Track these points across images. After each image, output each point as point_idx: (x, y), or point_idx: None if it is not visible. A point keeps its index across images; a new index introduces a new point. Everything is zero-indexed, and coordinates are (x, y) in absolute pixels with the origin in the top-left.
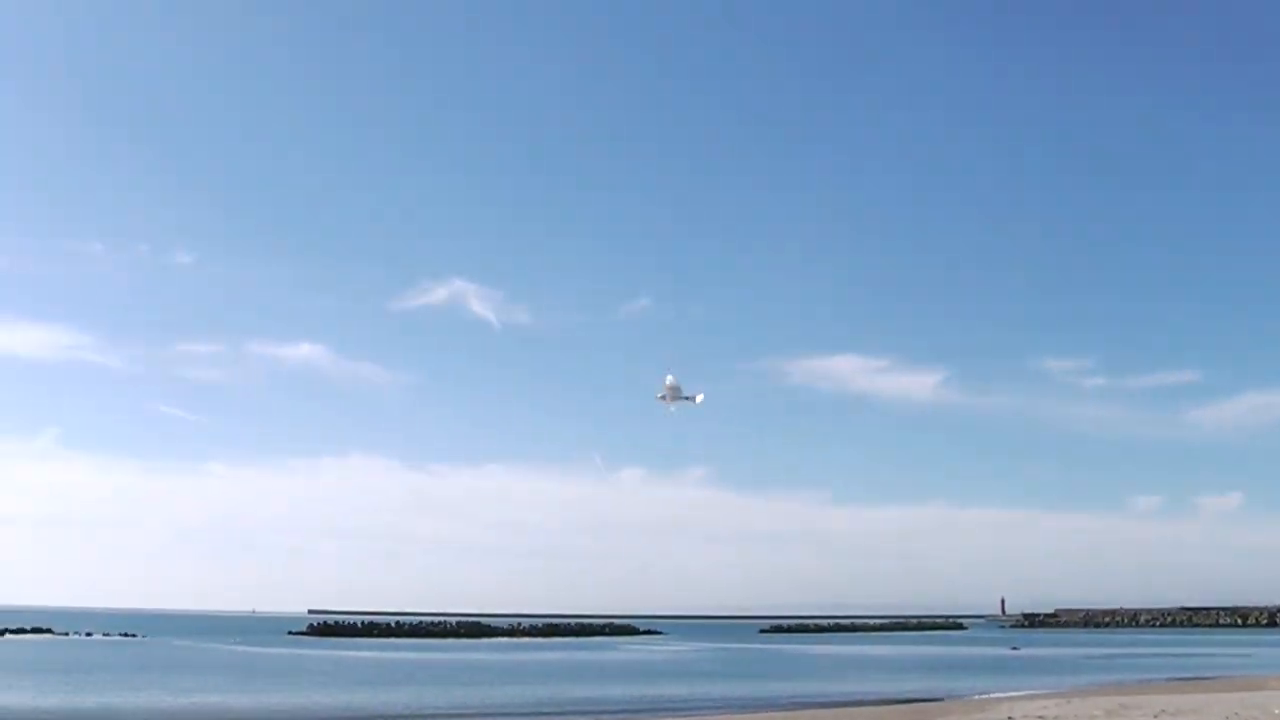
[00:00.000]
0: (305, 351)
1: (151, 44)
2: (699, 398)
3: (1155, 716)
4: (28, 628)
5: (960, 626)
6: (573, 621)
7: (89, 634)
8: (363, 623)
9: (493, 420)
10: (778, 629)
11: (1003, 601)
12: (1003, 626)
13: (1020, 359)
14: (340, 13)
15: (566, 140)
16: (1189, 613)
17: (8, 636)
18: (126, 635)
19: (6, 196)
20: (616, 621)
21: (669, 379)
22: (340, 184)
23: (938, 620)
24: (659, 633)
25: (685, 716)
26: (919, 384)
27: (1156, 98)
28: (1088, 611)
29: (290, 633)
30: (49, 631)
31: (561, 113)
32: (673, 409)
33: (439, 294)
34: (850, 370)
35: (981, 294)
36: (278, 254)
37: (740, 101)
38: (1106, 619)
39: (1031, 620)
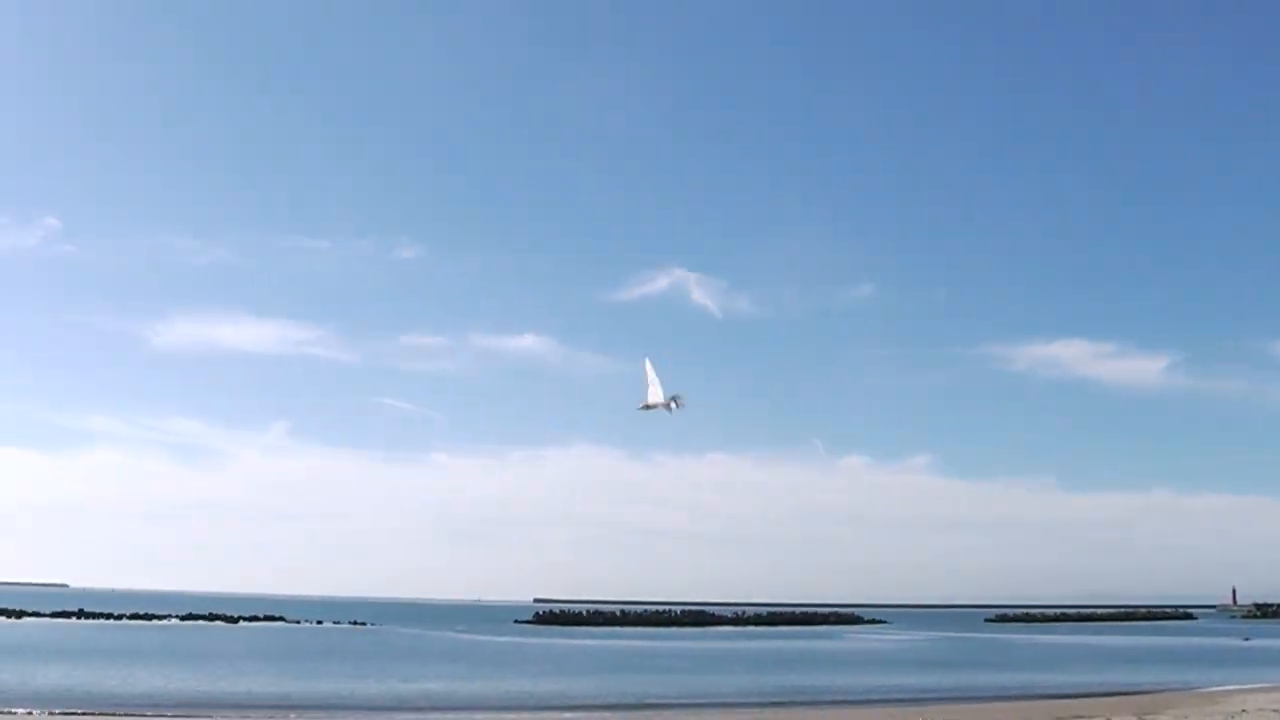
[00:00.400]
0: (528, 342)
1: (376, 42)
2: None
3: None
4: (261, 615)
5: (1189, 616)
6: (796, 610)
7: (319, 622)
8: (588, 611)
9: (715, 409)
10: (1003, 618)
11: (1234, 591)
12: (1234, 617)
13: (1250, 341)
14: (560, 11)
15: (788, 128)
16: None
17: (243, 624)
18: (355, 623)
19: (236, 195)
20: (840, 610)
21: (652, 384)
22: (562, 175)
23: (1166, 610)
24: (883, 621)
25: (917, 706)
26: (1145, 368)
27: None
28: None
29: (516, 621)
30: (281, 619)
31: (783, 100)
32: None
33: (660, 283)
34: (1075, 355)
35: (1210, 276)
36: (500, 246)
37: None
38: None
39: (1264, 611)
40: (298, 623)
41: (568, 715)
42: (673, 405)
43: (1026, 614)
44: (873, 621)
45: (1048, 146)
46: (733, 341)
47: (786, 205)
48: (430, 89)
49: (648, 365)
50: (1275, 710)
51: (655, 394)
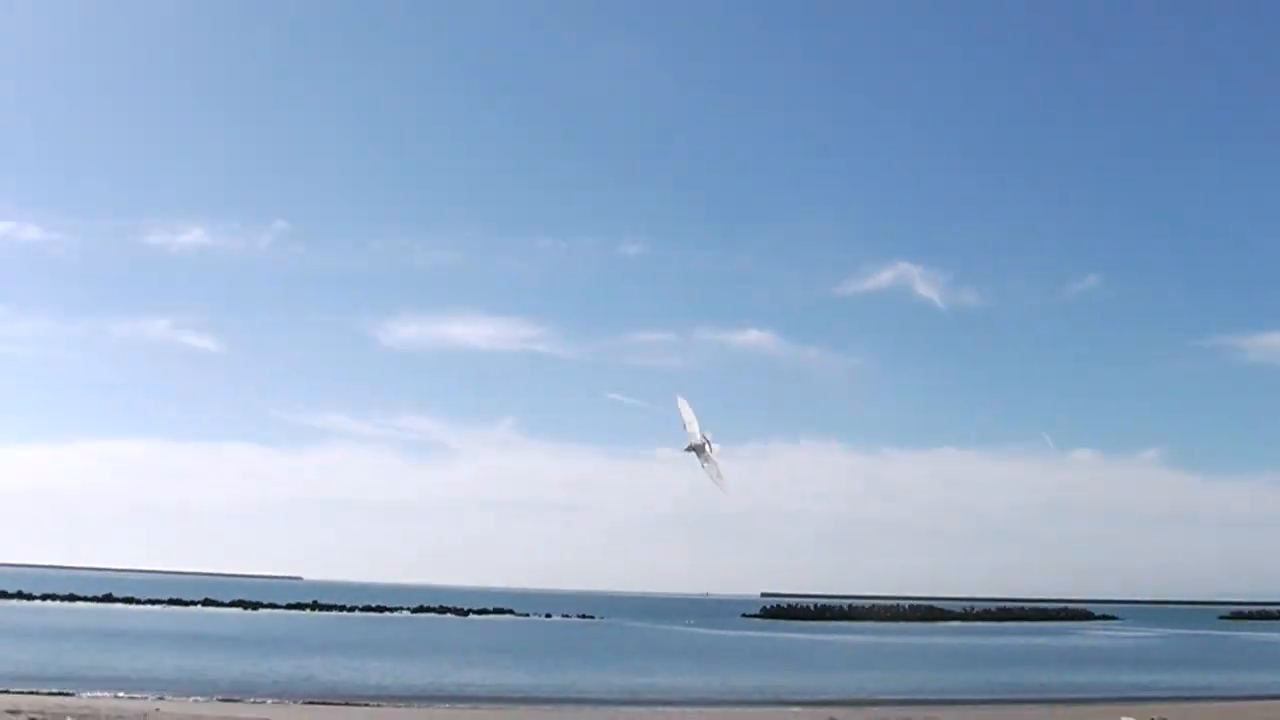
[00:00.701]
0: (753, 337)
1: (581, 43)
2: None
3: None
4: (490, 609)
5: None
6: (1026, 605)
7: (548, 615)
8: (815, 605)
9: (941, 403)
10: (1238, 615)
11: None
12: None
13: None
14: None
15: (1007, 116)
16: None
17: (472, 617)
18: (584, 617)
19: (461, 196)
20: (1071, 606)
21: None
22: (784, 170)
23: None
24: (1114, 618)
25: (1154, 704)
26: None
27: None
28: None
29: (744, 615)
30: (510, 613)
31: (998, 87)
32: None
33: (884, 277)
34: None
35: None
36: (723, 242)
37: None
38: None
39: None
40: (526, 616)
41: (795, 710)
42: (708, 448)
43: (1264, 611)
44: (1104, 618)
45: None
46: (958, 334)
47: (1010, 196)
48: (644, 87)
49: (681, 404)
50: None
51: (694, 434)
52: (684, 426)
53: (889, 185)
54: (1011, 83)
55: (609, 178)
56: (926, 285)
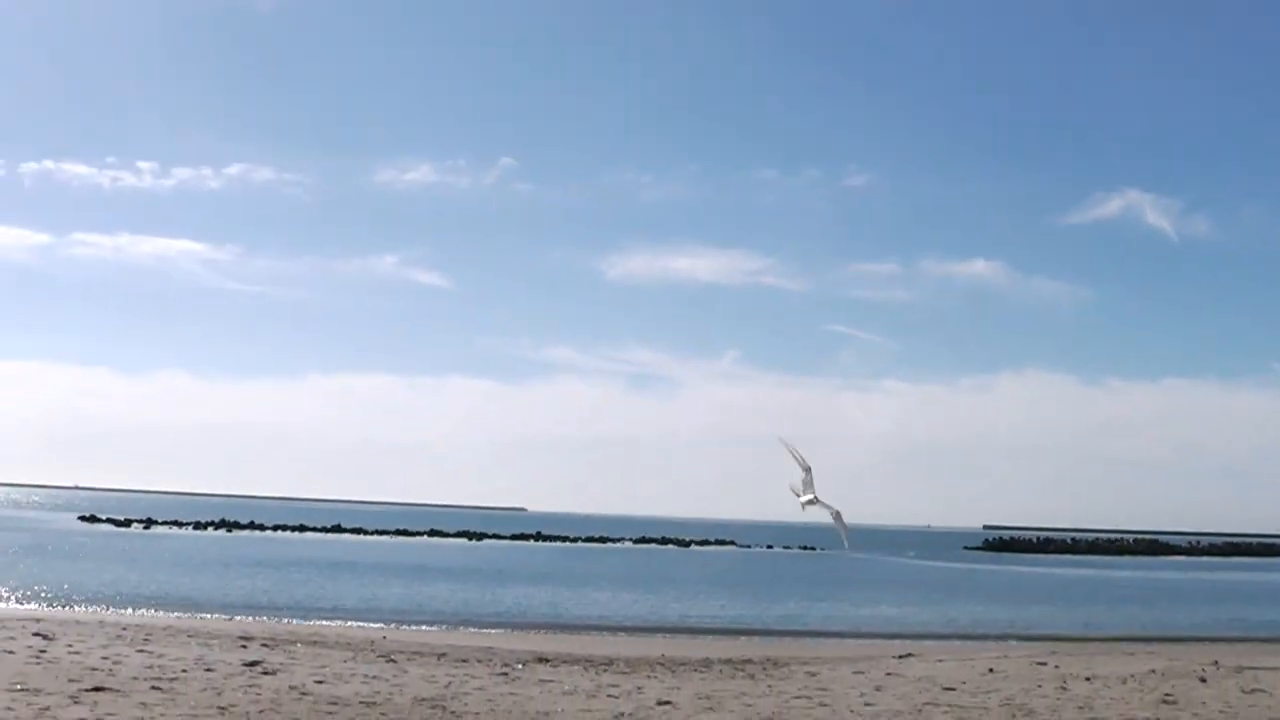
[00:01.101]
0: (979, 268)
1: None
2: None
3: None
4: (712, 540)
5: None
6: (1254, 541)
7: (769, 546)
8: (1038, 538)
9: (1170, 335)
10: None
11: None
12: None
13: None
14: None
15: (1241, 41)
16: None
17: (694, 548)
18: (805, 548)
19: (684, 132)
20: None
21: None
22: (1005, 96)
23: None
24: None
25: None
26: None
27: None
28: None
29: (965, 548)
30: (732, 544)
31: (1241, 10)
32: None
33: (1112, 206)
34: None
35: None
36: (948, 171)
37: None
38: None
39: None
40: (748, 547)
41: (1014, 644)
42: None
43: None
44: None
45: None
46: (1189, 265)
47: (1245, 120)
48: (870, 15)
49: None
50: None
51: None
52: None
53: (1119, 110)
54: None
55: (830, 108)
56: (1157, 214)
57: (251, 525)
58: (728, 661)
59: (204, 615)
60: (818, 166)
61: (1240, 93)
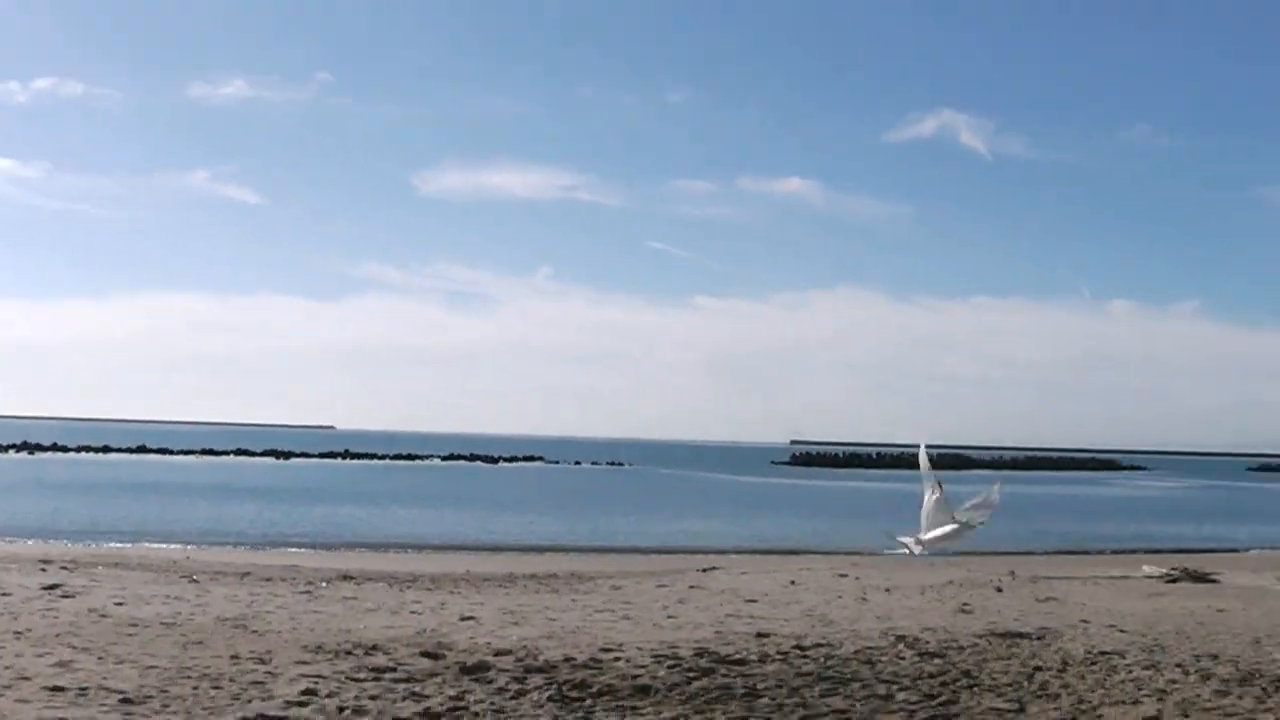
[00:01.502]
0: (795, 185)
1: None
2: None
3: None
4: (521, 456)
5: None
6: (1054, 455)
7: (578, 463)
8: (844, 453)
9: (981, 252)
10: (1266, 467)
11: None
12: None
13: None
14: None
15: None
16: None
17: (503, 464)
18: (613, 464)
19: (501, 49)
20: (1099, 456)
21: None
22: (825, 15)
23: None
24: (1142, 468)
25: (1182, 554)
26: None
27: None
28: None
29: (773, 463)
30: (540, 460)
31: None
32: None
33: (928, 125)
34: None
35: None
36: (766, 90)
37: None
38: None
39: None
40: (557, 463)
41: (819, 557)
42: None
43: None
44: (1132, 468)
45: None
46: (1001, 184)
47: (1058, 41)
48: None
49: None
50: None
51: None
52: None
53: (935, 31)
54: None
55: (652, 26)
56: (971, 134)
57: (55, 447)
58: (532, 577)
59: (1, 540)
60: (637, 84)
61: (1051, 13)
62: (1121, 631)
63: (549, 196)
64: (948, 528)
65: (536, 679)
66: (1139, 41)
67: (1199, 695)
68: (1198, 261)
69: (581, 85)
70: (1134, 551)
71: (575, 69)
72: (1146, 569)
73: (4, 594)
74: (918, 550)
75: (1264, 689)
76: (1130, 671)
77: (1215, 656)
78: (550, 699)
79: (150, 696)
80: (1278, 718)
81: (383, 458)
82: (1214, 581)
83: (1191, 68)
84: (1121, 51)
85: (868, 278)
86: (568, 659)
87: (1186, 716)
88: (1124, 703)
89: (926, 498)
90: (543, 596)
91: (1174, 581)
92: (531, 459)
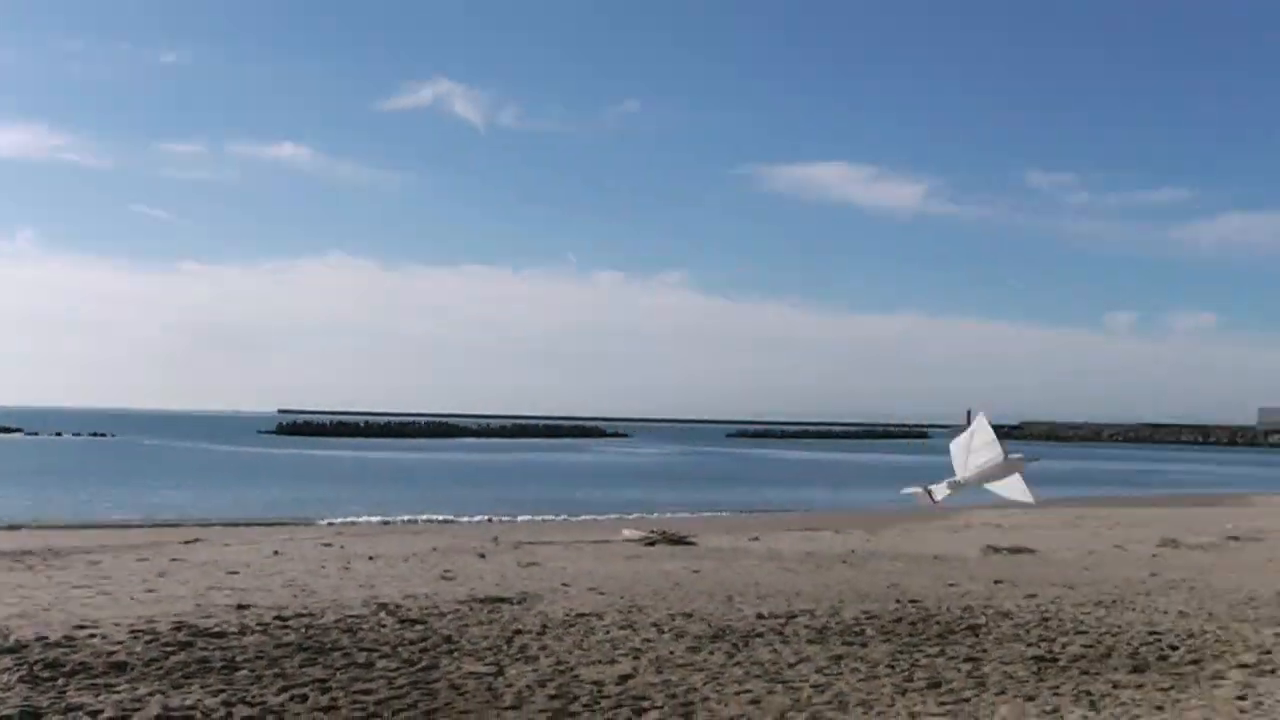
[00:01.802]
0: (288, 151)
1: None
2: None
3: (1110, 528)
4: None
5: (925, 435)
6: (540, 423)
7: (59, 434)
8: (332, 422)
9: (473, 222)
10: (743, 434)
11: (969, 413)
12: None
13: (1006, 172)
14: None
15: None
16: (1151, 429)
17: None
18: (97, 435)
19: None
20: (585, 424)
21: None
22: None
23: (904, 429)
24: (626, 435)
25: (660, 517)
26: (905, 193)
27: None
28: (1052, 424)
29: (260, 432)
30: (19, 431)
31: None
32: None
33: (424, 94)
34: (835, 178)
35: (969, 106)
36: (261, 53)
37: None
38: (1070, 433)
39: (997, 432)
40: (36, 434)
41: (299, 529)
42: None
43: (766, 430)
44: (616, 435)
45: None
46: (495, 154)
47: (552, 16)
48: None
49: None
50: (998, 525)
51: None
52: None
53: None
54: None
55: None
56: (466, 104)
57: None
58: (5, 554)
59: None
60: (128, 40)
61: None
62: (601, 594)
63: (32, 156)
64: (995, 461)
65: (5, 660)
66: (630, 11)
67: (672, 652)
68: (683, 235)
69: (69, 39)
70: (615, 515)
71: (62, 18)
72: (626, 533)
73: None
74: (943, 494)
75: (734, 644)
76: (608, 632)
77: (689, 615)
78: (21, 680)
79: None
80: (746, 670)
81: None
82: (691, 544)
83: (678, 49)
84: (613, 26)
85: (358, 245)
86: (40, 638)
87: (660, 673)
88: (600, 662)
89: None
90: (18, 574)
91: (652, 544)
92: (9, 431)
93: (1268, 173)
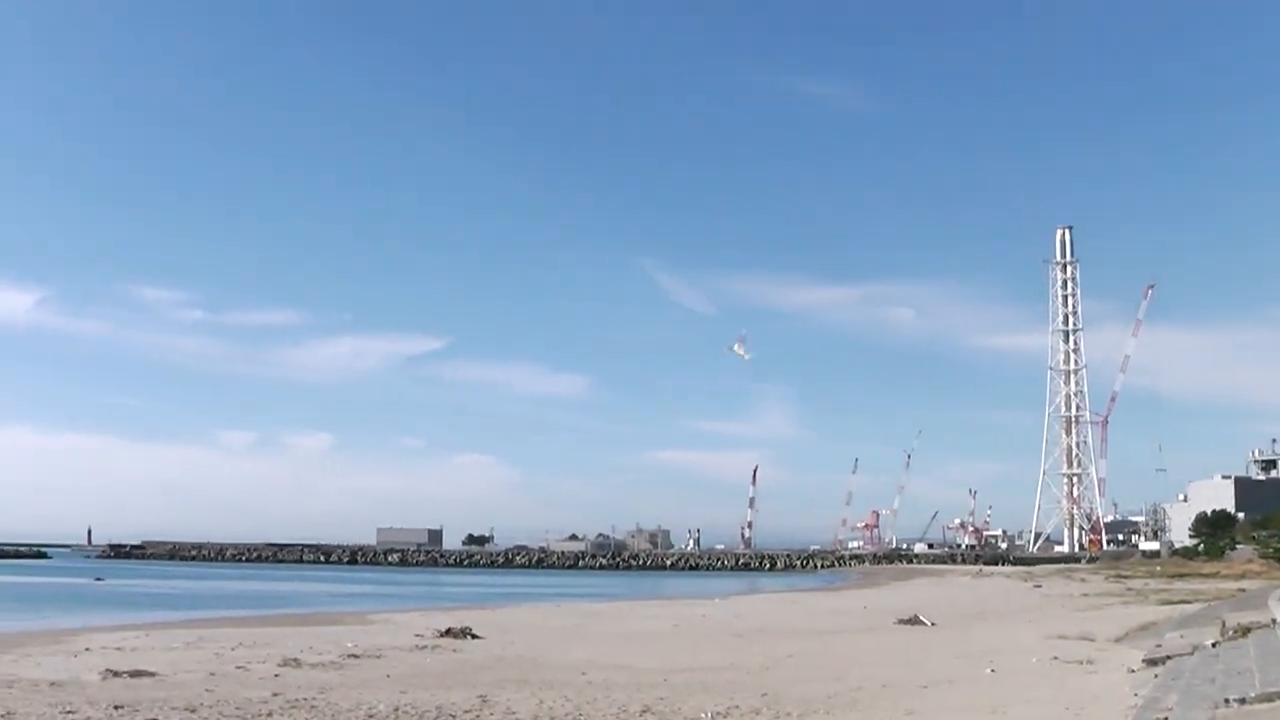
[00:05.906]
0: None
1: None
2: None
3: (233, 649)
4: None
5: (45, 555)
6: None
7: None
8: None
9: None
10: None
11: (90, 531)
12: (88, 556)
13: (120, 285)
14: None
15: None
16: (275, 549)
17: None
18: None
19: None
20: None
21: None
22: None
23: (20, 548)
24: None
25: None
26: (14, 302)
27: None
28: (175, 544)
29: None
30: None
31: None
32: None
33: None
34: None
35: (87, 215)
36: None
37: None
38: (193, 552)
39: (118, 551)
40: None
41: None
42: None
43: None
44: None
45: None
46: None
47: None
48: None
49: None
50: (119, 648)
51: None
52: None
53: None
54: None
55: None
56: None
57: None
58: None
59: None
60: None
61: None
62: None
63: None
64: None
65: None
66: None
67: None
68: None
69: None
70: None
71: None
72: None
73: None
74: None
75: None
76: None
77: None
78: None
79: None
80: None
81: None
82: None
83: None
84: None
85: None
86: None
87: None
88: None
89: None
90: None
91: None
92: None
93: (375, 301)
